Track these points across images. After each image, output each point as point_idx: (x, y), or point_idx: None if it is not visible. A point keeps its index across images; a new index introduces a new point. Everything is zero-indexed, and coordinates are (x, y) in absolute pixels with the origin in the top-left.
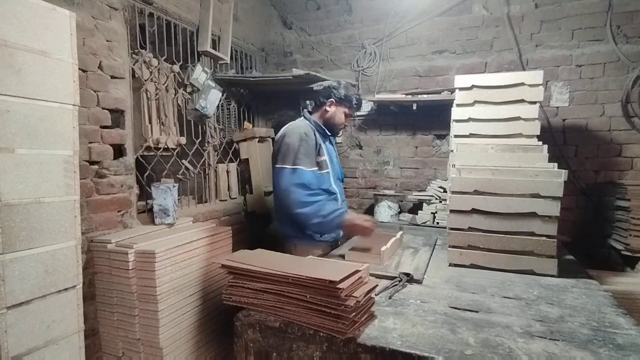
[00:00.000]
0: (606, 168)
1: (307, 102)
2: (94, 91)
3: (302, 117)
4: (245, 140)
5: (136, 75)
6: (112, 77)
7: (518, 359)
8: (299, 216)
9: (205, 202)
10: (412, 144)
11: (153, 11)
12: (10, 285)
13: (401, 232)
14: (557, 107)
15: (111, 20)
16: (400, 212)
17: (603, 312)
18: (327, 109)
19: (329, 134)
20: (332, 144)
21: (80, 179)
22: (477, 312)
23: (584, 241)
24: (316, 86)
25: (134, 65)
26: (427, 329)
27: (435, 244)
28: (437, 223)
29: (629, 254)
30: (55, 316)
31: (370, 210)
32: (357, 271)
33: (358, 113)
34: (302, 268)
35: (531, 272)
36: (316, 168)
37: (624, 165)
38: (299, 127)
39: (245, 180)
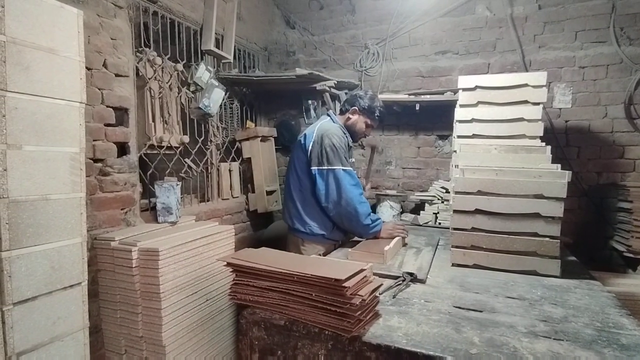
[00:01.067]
0: (608, 170)
1: (310, 102)
2: (99, 89)
3: (329, 119)
4: (247, 139)
5: (140, 74)
6: (117, 75)
7: (523, 358)
8: (358, 215)
9: (208, 200)
10: (415, 145)
11: (157, 10)
12: (17, 281)
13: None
14: (560, 109)
15: (116, 19)
16: (402, 212)
17: (607, 313)
18: (350, 116)
19: (351, 140)
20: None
21: (85, 176)
22: (481, 311)
23: (585, 243)
24: (319, 86)
25: (138, 63)
26: (431, 328)
27: (437, 244)
28: (439, 223)
29: (631, 255)
30: (61, 313)
31: (372, 211)
32: (362, 270)
33: None
34: (307, 267)
35: (534, 273)
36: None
37: (626, 167)
38: (336, 130)
39: (247, 179)
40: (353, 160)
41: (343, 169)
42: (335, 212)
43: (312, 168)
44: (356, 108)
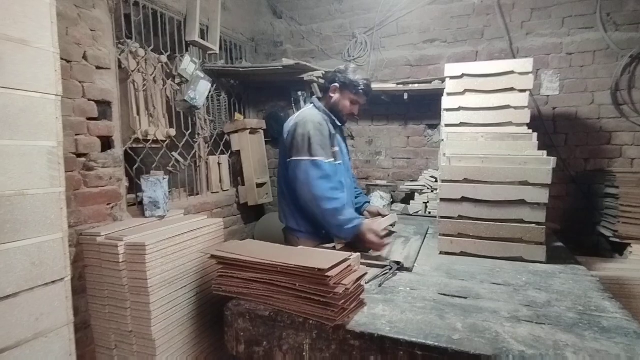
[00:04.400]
0: (596, 156)
1: (299, 93)
2: (79, 82)
3: (312, 106)
4: (236, 131)
5: (122, 66)
6: (98, 67)
7: (504, 342)
8: (324, 213)
9: (197, 194)
10: (404, 134)
11: (138, 0)
12: None
13: (394, 215)
14: (548, 96)
15: (95, 9)
16: (392, 202)
17: (589, 297)
18: (332, 94)
19: (339, 123)
20: (342, 135)
21: (68, 171)
22: (465, 298)
23: (574, 229)
24: (307, 76)
25: (119, 55)
26: (415, 315)
27: (426, 233)
28: (429, 212)
29: (617, 240)
30: (44, 309)
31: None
32: (346, 259)
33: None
34: (291, 257)
35: (520, 259)
36: (332, 159)
37: (613, 153)
38: (312, 116)
39: (237, 172)
40: (337, 149)
41: (311, 160)
42: (306, 208)
43: (287, 160)
44: (336, 85)
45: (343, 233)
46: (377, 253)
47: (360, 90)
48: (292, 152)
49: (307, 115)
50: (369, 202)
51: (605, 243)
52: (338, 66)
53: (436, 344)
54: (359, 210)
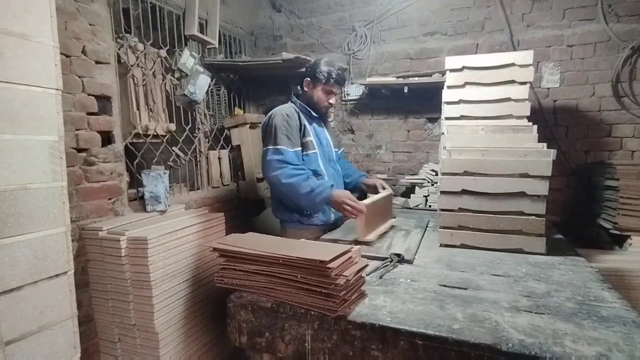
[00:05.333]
0: (596, 148)
1: (298, 87)
2: (79, 77)
3: (290, 101)
4: (236, 126)
5: (122, 61)
6: (97, 62)
7: (504, 331)
8: (289, 188)
9: (198, 189)
10: (404, 128)
11: None
12: (1, 271)
13: (390, 192)
14: (548, 88)
15: (94, 3)
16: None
17: (588, 287)
18: (306, 88)
19: (315, 114)
20: (323, 126)
21: (69, 166)
22: (466, 289)
23: (574, 221)
24: None
25: (119, 50)
26: (416, 305)
27: (427, 226)
28: (430, 206)
29: (617, 232)
30: (48, 302)
31: (363, 195)
32: (347, 251)
33: (351, 97)
34: (292, 249)
35: (520, 251)
36: (299, 149)
37: (613, 146)
38: (282, 109)
39: (237, 166)
40: (310, 138)
41: (274, 148)
42: (276, 192)
43: None
44: (308, 79)
45: (315, 205)
46: (356, 220)
47: (332, 80)
48: (263, 143)
49: (278, 109)
50: (365, 176)
51: (605, 235)
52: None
53: (436, 333)
54: (356, 186)
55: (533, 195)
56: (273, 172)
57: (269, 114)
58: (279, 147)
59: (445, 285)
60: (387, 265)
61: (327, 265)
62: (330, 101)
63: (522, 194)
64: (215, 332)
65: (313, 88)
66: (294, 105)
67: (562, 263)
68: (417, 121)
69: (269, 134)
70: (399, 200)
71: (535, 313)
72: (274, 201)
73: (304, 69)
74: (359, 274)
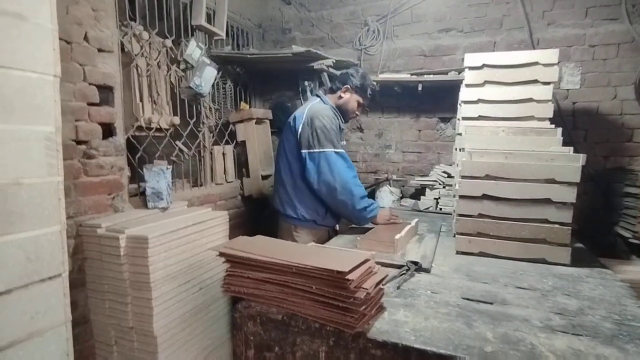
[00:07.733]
0: (616, 154)
1: (306, 83)
2: (80, 65)
3: (319, 100)
4: (242, 121)
5: (125, 50)
6: (100, 50)
7: (542, 356)
8: (353, 199)
9: (201, 185)
10: (416, 127)
11: None
12: None
13: (416, 220)
14: (568, 90)
15: None
16: (402, 198)
17: (623, 304)
18: (342, 95)
19: (342, 121)
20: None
21: (67, 159)
22: (491, 303)
23: (589, 229)
24: (317, 65)
25: (122, 38)
26: (441, 322)
27: (440, 231)
28: (440, 209)
29: (636, 242)
30: (40, 307)
31: (371, 196)
32: (366, 260)
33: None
34: (307, 257)
35: (543, 261)
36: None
37: (635, 151)
38: (327, 110)
39: (242, 163)
40: (344, 142)
41: (335, 151)
42: (328, 197)
43: (303, 151)
44: (348, 86)
45: (366, 216)
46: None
47: (369, 95)
48: (313, 143)
49: (323, 109)
50: None
51: (622, 244)
52: (347, 69)
53: (468, 356)
54: None
55: (559, 202)
56: (341, 180)
57: (310, 113)
58: (339, 150)
59: (469, 299)
60: (404, 274)
61: (346, 277)
62: (358, 112)
63: (547, 201)
64: (215, 337)
65: (350, 97)
66: (330, 107)
67: (589, 276)
68: (429, 120)
69: (322, 136)
70: (408, 202)
71: (572, 334)
72: (285, 196)
73: (342, 75)
74: (379, 286)
